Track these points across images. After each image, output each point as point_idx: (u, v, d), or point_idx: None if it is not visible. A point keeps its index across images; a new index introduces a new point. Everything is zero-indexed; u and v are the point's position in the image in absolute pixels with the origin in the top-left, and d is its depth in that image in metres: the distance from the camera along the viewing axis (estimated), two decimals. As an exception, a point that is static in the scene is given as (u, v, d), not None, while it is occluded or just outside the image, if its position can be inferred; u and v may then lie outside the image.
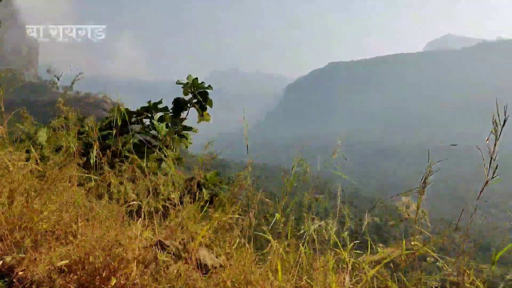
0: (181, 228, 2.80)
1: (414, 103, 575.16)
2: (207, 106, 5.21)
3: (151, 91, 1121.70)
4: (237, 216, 3.08)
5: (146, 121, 4.90)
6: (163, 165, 4.09)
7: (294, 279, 2.62)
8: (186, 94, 5.01)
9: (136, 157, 3.49)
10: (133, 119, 4.89)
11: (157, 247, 2.46)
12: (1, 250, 2.43)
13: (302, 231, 2.93)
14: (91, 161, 3.23)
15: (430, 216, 2.68)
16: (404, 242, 2.56)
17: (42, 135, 4.27)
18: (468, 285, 2.37)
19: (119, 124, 3.94)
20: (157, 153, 3.93)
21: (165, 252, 2.40)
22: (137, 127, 4.89)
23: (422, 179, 2.49)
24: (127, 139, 4.05)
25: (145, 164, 3.03)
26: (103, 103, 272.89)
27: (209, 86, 4.97)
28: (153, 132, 4.59)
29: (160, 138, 4.06)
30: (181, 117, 5.08)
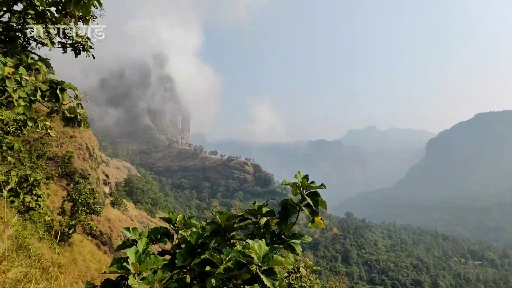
0: None
1: None
2: (320, 209, 4.44)
3: (289, 152, 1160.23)
4: None
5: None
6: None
7: None
8: (295, 194, 4.35)
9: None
10: (236, 225, 4.40)
11: None
12: None
13: None
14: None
15: None
16: None
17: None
18: None
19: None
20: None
21: None
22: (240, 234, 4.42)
23: None
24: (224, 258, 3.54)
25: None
26: (245, 166, 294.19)
27: (322, 185, 4.23)
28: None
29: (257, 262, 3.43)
30: (289, 221, 4.40)
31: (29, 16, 9.33)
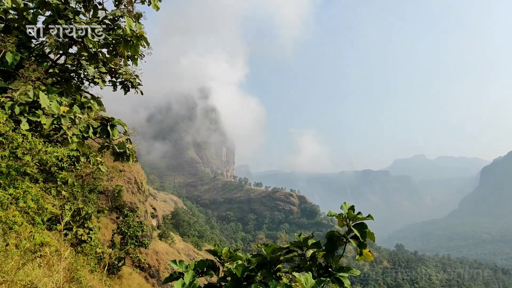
0: None
1: None
2: (368, 241, 4.31)
3: (334, 183, 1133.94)
4: None
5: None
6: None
7: None
8: (341, 226, 4.27)
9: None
10: (282, 258, 4.35)
11: None
12: None
13: None
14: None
15: None
16: None
17: None
18: None
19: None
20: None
21: None
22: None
23: None
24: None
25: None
26: (291, 197, 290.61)
27: (369, 216, 4.14)
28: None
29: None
30: (336, 254, 4.30)
31: (83, 58, 9.99)
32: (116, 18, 9.40)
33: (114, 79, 10.99)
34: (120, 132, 9.08)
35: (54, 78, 10.06)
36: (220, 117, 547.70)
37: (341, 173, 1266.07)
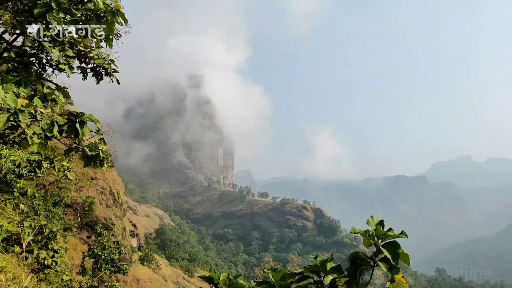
0: None
1: None
2: (401, 265, 4.30)
3: (358, 191, 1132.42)
4: None
5: None
6: None
7: None
8: (368, 246, 4.27)
9: None
10: (294, 286, 4.36)
11: None
12: None
13: None
14: None
15: None
16: None
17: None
18: None
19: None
20: None
21: None
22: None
23: None
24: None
25: None
26: (304, 210, 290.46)
27: (402, 232, 4.14)
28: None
29: None
30: (362, 281, 4.30)
31: (45, 39, 9.99)
32: (86, -11, 9.42)
33: (84, 64, 11.01)
34: (91, 131, 9.10)
35: (9, 64, 10.09)
36: (215, 111, 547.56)
37: (367, 179, 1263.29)
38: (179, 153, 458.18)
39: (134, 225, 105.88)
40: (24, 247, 10.29)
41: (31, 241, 16.15)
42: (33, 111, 7.72)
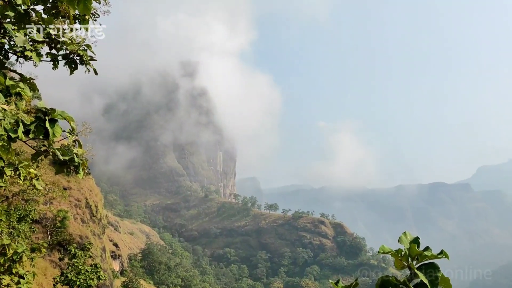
0: None
1: None
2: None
3: (387, 203, 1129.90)
4: None
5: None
6: None
7: None
8: (399, 268, 4.27)
9: None
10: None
11: None
12: None
13: None
14: None
15: None
16: None
17: None
18: None
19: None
20: None
21: None
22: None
23: None
24: None
25: None
26: (321, 225, 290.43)
27: (442, 252, 4.13)
28: None
29: None
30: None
31: (8, 20, 9.99)
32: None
33: (54, 51, 11.00)
34: (64, 131, 9.11)
35: (-35, 51, 10.10)
36: (213, 105, 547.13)
37: (398, 188, 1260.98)
38: (170, 157, 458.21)
39: (116, 245, 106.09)
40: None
41: (-9, 265, 16.21)
42: (-7, 108, 7.71)
